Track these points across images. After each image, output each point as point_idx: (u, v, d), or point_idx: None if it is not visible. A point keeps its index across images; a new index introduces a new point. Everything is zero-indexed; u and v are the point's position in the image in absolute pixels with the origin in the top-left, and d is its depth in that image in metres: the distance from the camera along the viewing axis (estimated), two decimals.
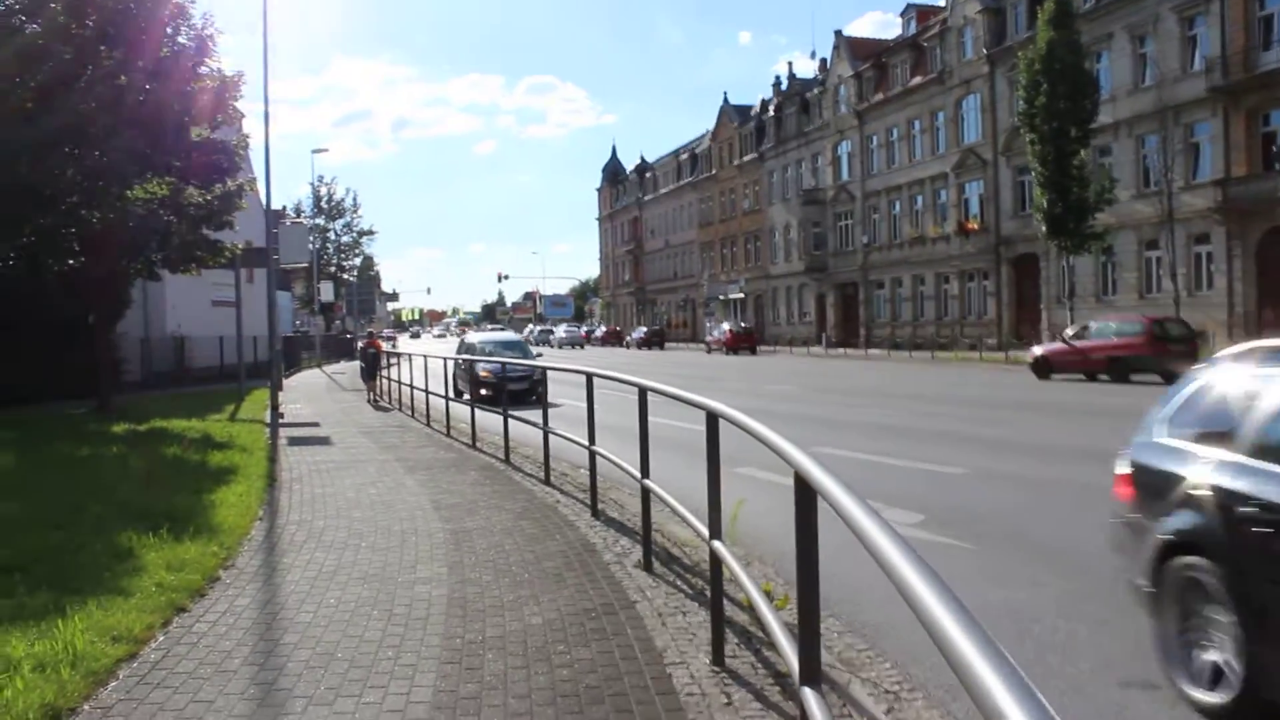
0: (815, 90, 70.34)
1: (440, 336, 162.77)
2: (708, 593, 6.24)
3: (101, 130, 19.43)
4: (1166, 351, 28.04)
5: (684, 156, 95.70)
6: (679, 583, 7.38)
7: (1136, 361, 28.56)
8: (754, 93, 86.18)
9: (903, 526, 9.46)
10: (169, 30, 20.71)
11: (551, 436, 12.01)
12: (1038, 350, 32.91)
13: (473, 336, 33.34)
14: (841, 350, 58.69)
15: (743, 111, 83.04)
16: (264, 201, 26.08)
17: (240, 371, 28.05)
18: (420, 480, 12.68)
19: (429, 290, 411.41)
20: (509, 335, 35.22)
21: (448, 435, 18.11)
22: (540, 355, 40.48)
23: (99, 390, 23.14)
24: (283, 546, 8.86)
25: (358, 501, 11.16)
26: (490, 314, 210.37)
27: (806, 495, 3.37)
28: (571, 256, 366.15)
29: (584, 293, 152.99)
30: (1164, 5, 40.97)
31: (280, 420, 22.18)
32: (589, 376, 9.75)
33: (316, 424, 21.29)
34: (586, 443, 9.94)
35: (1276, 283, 36.78)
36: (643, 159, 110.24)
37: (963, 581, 7.54)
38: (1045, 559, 8.21)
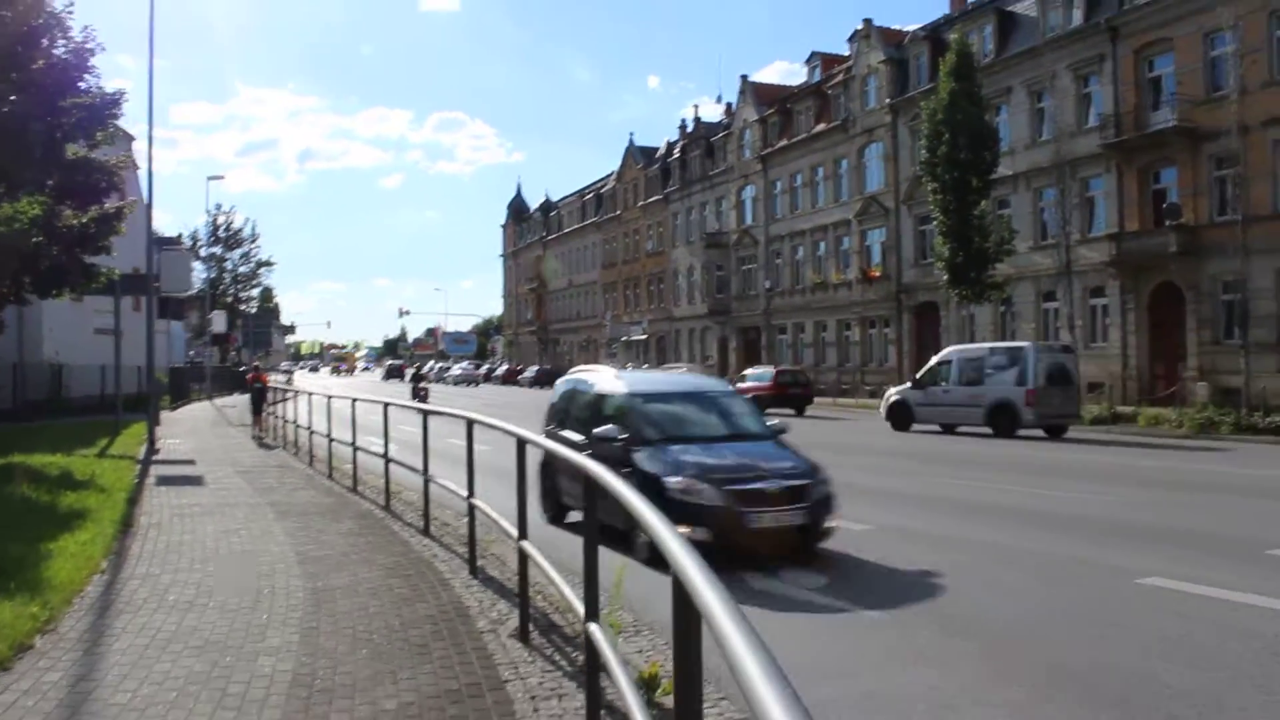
0: (720, 134, 70.44)
1: (364, 370, 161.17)
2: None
3: None
4: (786, 393, 39.64)
5: (589, 196, 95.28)
6: (558, 656, 6.60)
7: (769, 400, 36.79)
8: (661, 136, 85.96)
9: (803, 590, 8.82)
10: (44, 42, 19.50)
11: (440, 482, 11.14)
12: None
13: (618, 382, 12.85)
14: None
15: (648, 153, 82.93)
16: (147, 227, 24.88)
17: (118, 403, 26.56)
18: (290, 528, 11.73)
19: (329, 324, 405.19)
20: (704, 381, 15.02)
21: (329, 478, 17.11)
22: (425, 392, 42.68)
23: None
24: (119, 606, 7.89)
25: (216, 552, 10.19)
26: (392, 349, 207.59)
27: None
28: (475, 293, 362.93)
29: (487, 330, 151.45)
30: (1060, 63, 41.58)
31: (155, 457, 21.00)
32: (469, 423, 8.95)
33: (192, 461, 20.11)
34: (465, 493, 9.11)
35: (1167, 336, 37.25)
36: (548, 197, 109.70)
37: (870, 660, 6.87)
38: (954, 633, 7.57)
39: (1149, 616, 7.88)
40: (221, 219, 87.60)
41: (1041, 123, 42.89)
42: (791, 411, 38.01)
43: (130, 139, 36.46)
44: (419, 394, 42.11)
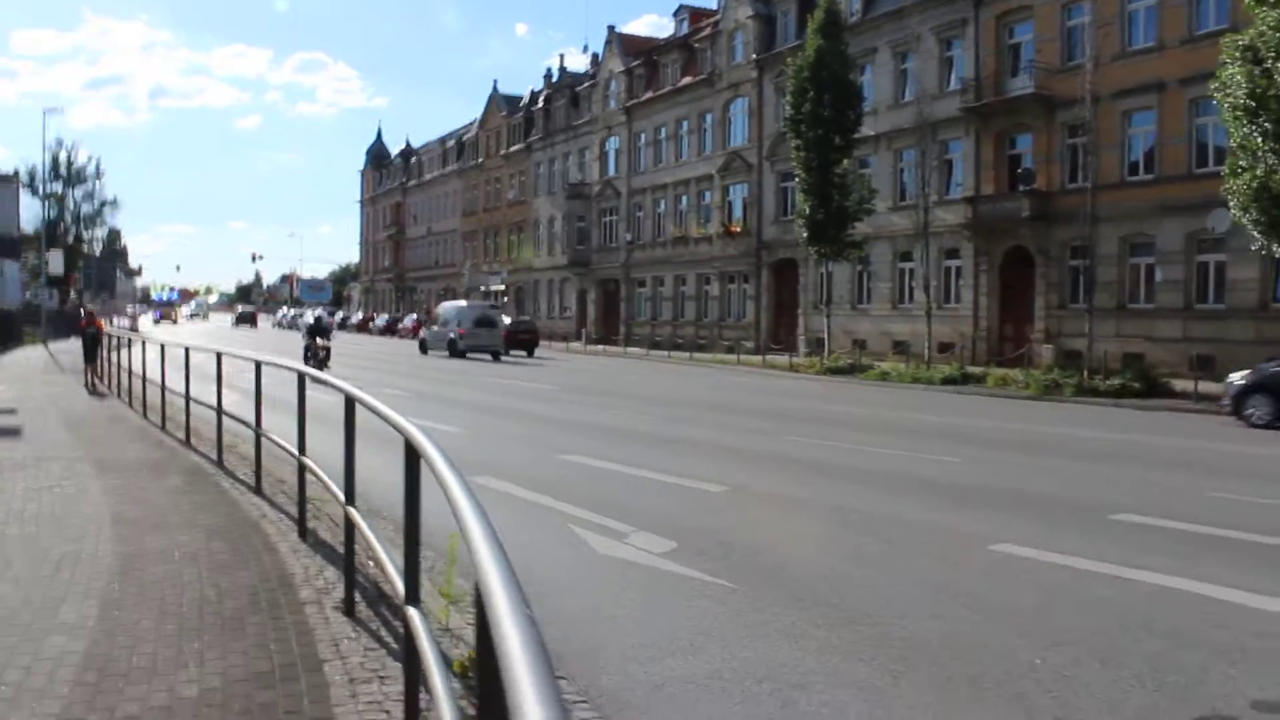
0: (586, 85, 69.66)
1: (194, 317, 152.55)
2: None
3: None
4: (516, 339, 49.52)
5: (451, 144, 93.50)
6: (384, 632, 6.12)
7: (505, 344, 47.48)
8: (528, 85, 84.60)
9: (651, 556, 8.48)
10: None
11: (271, 438, 10.46)
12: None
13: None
14: (601, 347, 58.14)
15: (512, 102, 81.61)
16: None
17: None
18: (110, 485, 10.94)
19: (178, 268, 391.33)
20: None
21: (162, 429, 16.21)
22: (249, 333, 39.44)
23: None
24: None
25: (21, 514, 9.39)
26: (245, 295, 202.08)
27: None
28: (332, 239, 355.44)
29: (344, 277, 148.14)
30: (925, 25, 41.96)
31: None
32: (300, 376, 8.35)
33: (13, 410, 18.87)
34: (296, 451, 8.53)
35: (1017, 299, 38.10)
36: (408, 143, 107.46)
37: (716, 633, 6.56)
38: (806, 602, 7.32)
39: (1002, 586, 7.76)
40: (63, 155, 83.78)
41: (905, 84, 43.34)
42: (524, 352, 49.64)
43: None
44: (317, 355, 31.39)
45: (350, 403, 6.19)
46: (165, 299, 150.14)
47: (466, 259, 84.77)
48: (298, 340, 65.92)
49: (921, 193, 37.18)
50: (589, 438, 16.90)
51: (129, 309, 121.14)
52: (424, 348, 49.52)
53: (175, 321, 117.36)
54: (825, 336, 40.89)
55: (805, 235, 38.62)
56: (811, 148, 37.44)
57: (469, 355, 45.37)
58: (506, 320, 52.13)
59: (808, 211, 37.89)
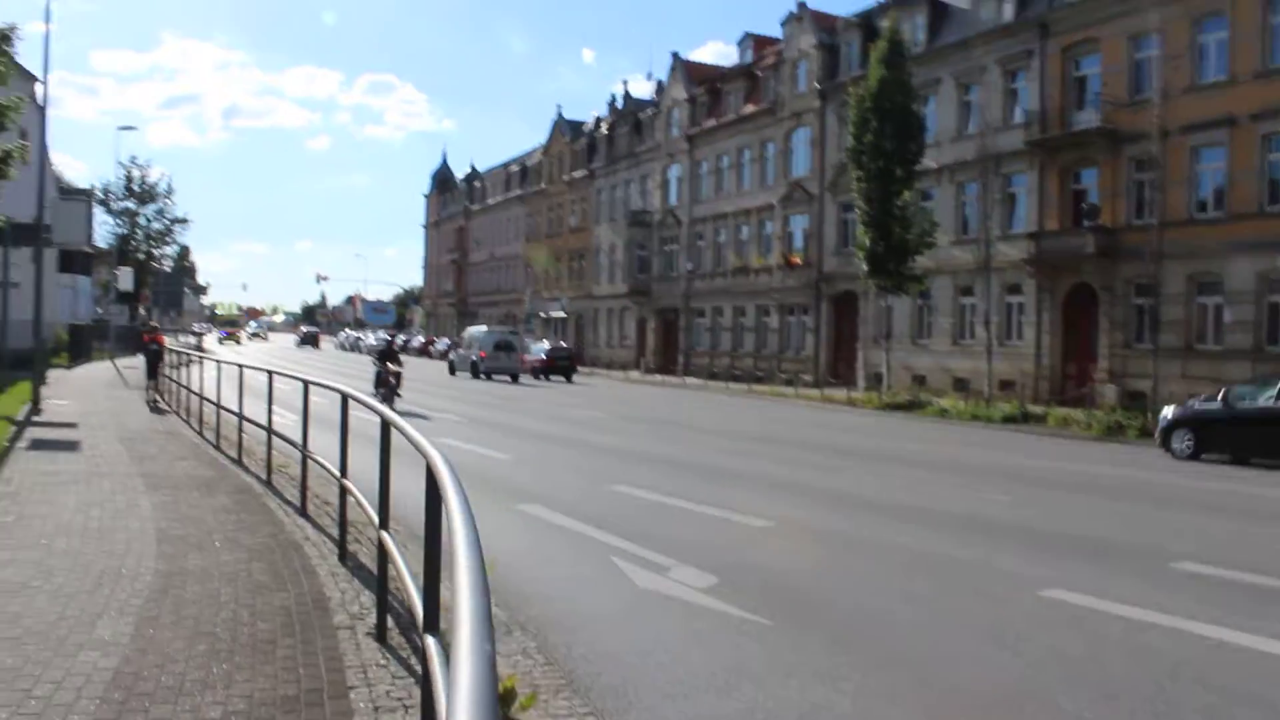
0: (649, 112, 69.88)
1: (254, 336, 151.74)
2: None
3: None
4: (554, 365, 53.46)
5: (514, 168, 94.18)
6: (414, 660, 6.05)
7: (544, 370, 52.98)
8: (592, 111, 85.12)
9: (691, 590, 8.36)
10: None
11: (317, 460, 10.48)
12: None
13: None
14: (659, 377, 58.04)
15: (576, 127, 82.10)
16: (40, 173, 23.79)
17: (1, 360, 25.36)
18: (159, 502, 11.03)
19: (245, 286, 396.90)
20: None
21: (216, 448, 16.37)
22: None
23: None
24: None
25: (69, 527, 9.48)
26: (310, 315, 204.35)
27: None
28: (397, 262, 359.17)
29: (407, 300, 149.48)
30: (989, 56, 41.63)
31: (35, 418, 20.03)
32: (343, 397, 8.36)
33: (74, 425, 19.16)
34: (338, 473, 8.54)
35: (1081, 337, 37.52)
36: (473, 168, 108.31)
37: (752, 671, 6.43)
38: (846, 643, 7.17)
39: (1050, 633, 7.54)
40: (135, 172, 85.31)
41: (968, 116, 42.96)
42: (562, 378, 52.39)
43: (34, 80, 34.89)
44: (388, 383, 27.35)
45: (385, 426, 6.16)
46: (230, 318, 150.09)
47: (528, 285, 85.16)
48: (357, 362, 66.97)
49: (984, 227, 36.82)
50: (639, 468, 16.81)
51: (195, 326, 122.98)
52: (452, 369, 54.33)
53: (239, 341, 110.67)
54: (884, 371, 40.52)
55: (865, 268, 38.34)
56: (873, 179, 37.21)
57: (492, 377, 49.42)
58: (545, 345, 58.21)
59: (868, 244, 37.62)
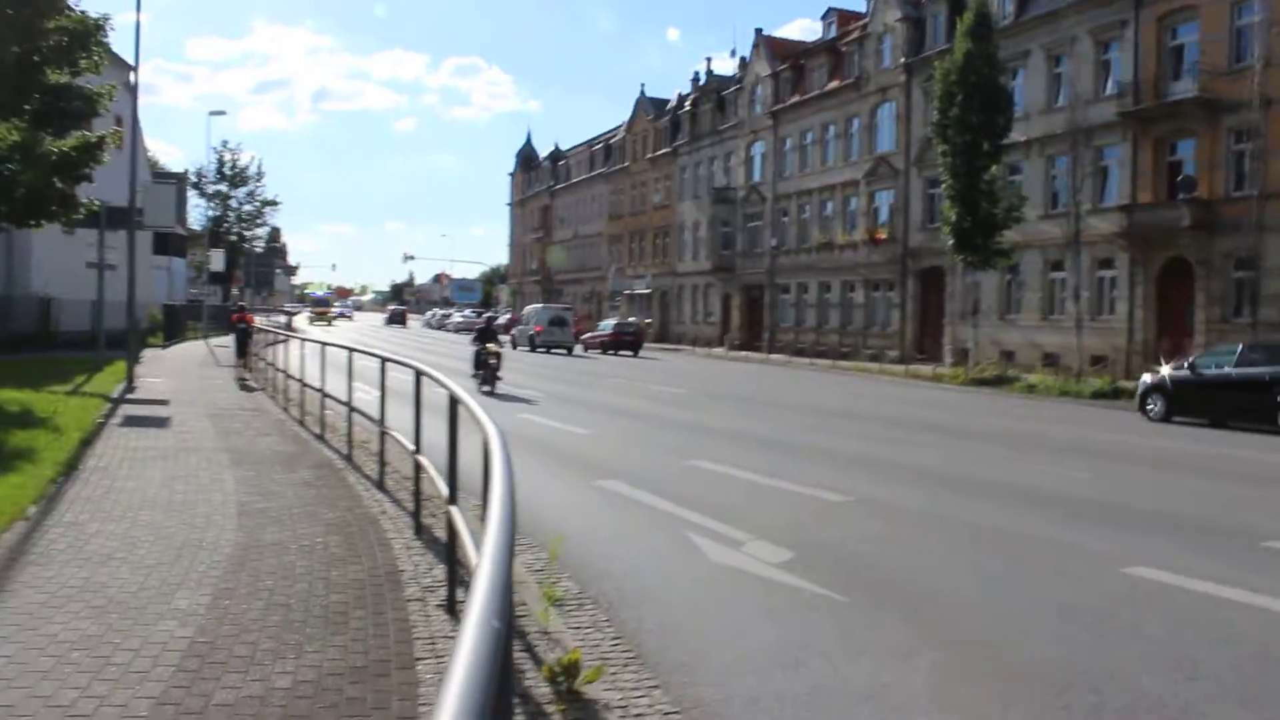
0: (733, 88, 69.43)
1: (340, 316, 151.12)
2: None
3: None
4: (621, 340, 55.34)
5: (598, 146, 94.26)
6: None
7: (611, 345, 55.46)
8: (676, 89, 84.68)
9: (766, 566, 8.30)
10: None
11: (393, 435, 10.60)
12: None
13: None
14: (743, 353, 57.88)
15: (659, 105, 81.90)
16: (132, 158, 24.30)
17: (99, 340, 26.05)
18: (241, 476, 11.25)
19: (334, 266, 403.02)
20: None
21: (300, 424, 16.66)
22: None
23: None
24: (30, 558, 7.41)
25: (155, 501, 9.71)
26: (398, 294, 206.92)
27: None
28: (483, 241, 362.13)
29: (493, 279, 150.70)
30: (1081, 27, 40.64)
31: (129, 396, 20.54)
32: (417, 374, 8.45)
33: (165, 401, 19.62)
34: (411, 446, 8.63)
35: (1175, 312, 36.60)
36: (557, 147, 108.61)
37: (823, 647, 6.36)
38: (921, 620, 7.07)
39: (1132, 612, 7.35)
40: (227, 156, 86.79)
41: (1058, 88, 41.99)
42: (629, 353, 54.41)
43: (128, 68, 35.67)
44: (487, 364, 25.65)
45: (453, 402, 6.20)
46: (320, 296, 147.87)
47: (612, 262, 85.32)
48: (443, 340, 67.67)
49: (1073, 200, 36.01)
50: (718, 443, 16.77)
51: (286, 306, 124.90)
52: (514, 344, 56.36)
53: (330, 322, 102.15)
54: (971, 347, 39.93)
55: (951, 243, 37.76)
56: (959, 154, 36.58)
57: (551, 351, 53.37)
58: (611, 321, 60.38)
59: (954, 219, 37.02)
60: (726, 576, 8.07)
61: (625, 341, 55.83)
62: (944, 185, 38.62)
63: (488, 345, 26.06)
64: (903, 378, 39.44)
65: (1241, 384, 22.22)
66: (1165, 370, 24.20)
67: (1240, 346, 23.57)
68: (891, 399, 29.19)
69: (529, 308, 63.11)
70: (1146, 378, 24.79)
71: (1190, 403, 23.39)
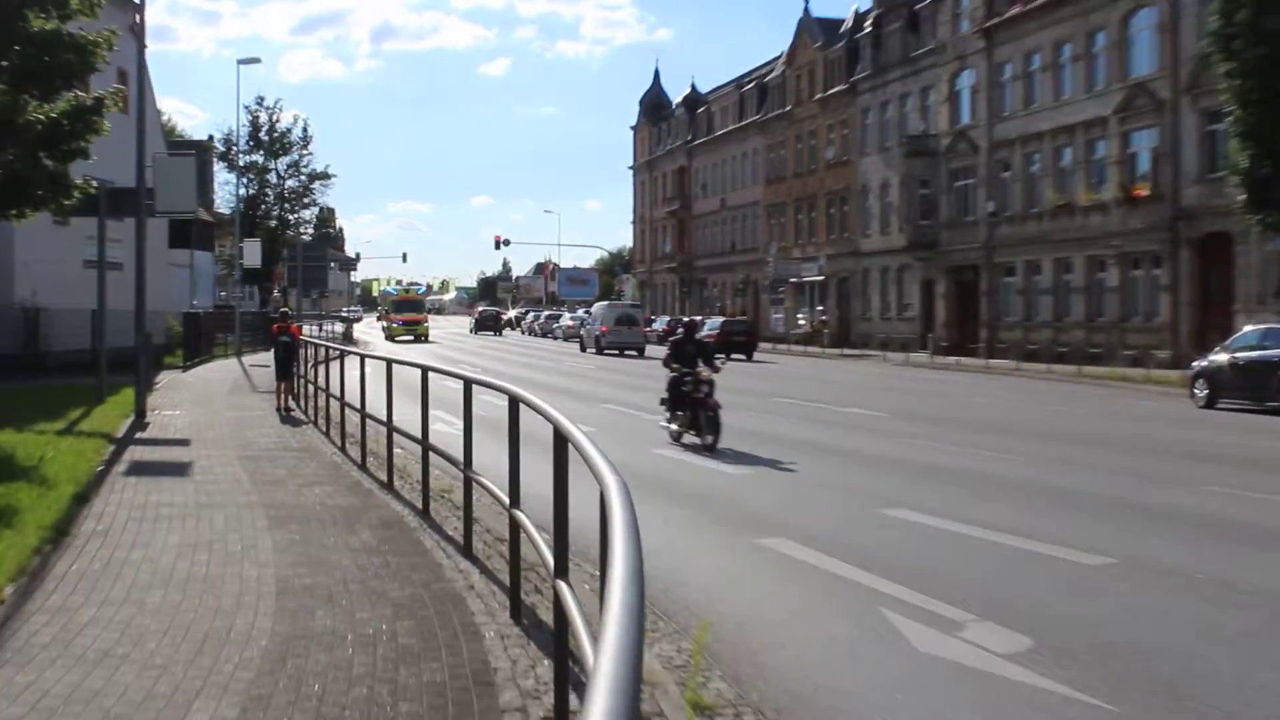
0: (929, 1, 68.85)
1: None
2: None
3: None
4: (729, 341, 57.48)
5: (749, 86, 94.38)
6: None
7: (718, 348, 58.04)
8: (851, 5, 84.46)
9: (995, 658, 8.06)
10: None
11: (481, 482, 10.59)
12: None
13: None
14: (953, 359, 57.20)
15: (830, 28, 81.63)
16: (139, 124, 24.94)
17: (100, 362, 26.77)
18: (283, 541, 11.36)
19: (405, 257, 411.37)
20: None
21: (361, 467, 16.85)
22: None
23: None
24: (3, 657, 7.54)
25: (169, 576, 9.84)
26: (489, 290, 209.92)
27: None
28: (601, 218, 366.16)
29: (614, 267, 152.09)
30: None
31: (139, 434, 21.06)
32: (512, 400, 8.41)
33: (186, 442, 20.08)
34: (507, 501, 8.58)
35: None
36: (694, 88, 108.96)
37: None
38: None
39: None
40: (264, 116, 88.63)
41: None
42: (742, 356, 58.36)
43: (132, 7, 36.70)
44: (696, 404, 20.50)
45: (560, 439, 6.09)
46: (398, 296, 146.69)
47: (771, 241, 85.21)
48: (550, 353, 68.22)
49: None
50: (923, 485, 16.48)
51: (345, 310, 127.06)
52: (582, 346, 68.76)
53: (422, 336, 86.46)
54: None
55: (1243, 198, 36.69)
56: (1250, 74, 35.50)
57: (624, 353, 62.39)
58: (717, 320, 66.08)
59: (1246, 165, 35.96)
60: (939, 673, 7.93)
61: (736, 342, 60.01)
62: (1229, 119, 37.58)
63: (696, 370, 20.86)
64: (1178, 387, 38.41)
65: None
66: (1212, 356, 31.70)
67: None
68: (1164, 419, 28.61)
69: (597, 305, 74.97)
70: (1197, 363, 32.77)
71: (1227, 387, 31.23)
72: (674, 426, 21.03)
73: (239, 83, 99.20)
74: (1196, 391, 31.83)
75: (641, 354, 61.56)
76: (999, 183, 61.50)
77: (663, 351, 23.57)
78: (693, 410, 20.42)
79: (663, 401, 21.52)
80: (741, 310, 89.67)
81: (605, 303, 74.82)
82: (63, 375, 33.87)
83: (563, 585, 6.11)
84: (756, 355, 62.19)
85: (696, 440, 20.26)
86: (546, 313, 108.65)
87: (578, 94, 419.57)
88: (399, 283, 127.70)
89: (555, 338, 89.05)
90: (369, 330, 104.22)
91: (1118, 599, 9.95)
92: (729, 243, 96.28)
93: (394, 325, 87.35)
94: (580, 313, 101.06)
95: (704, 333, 58.21)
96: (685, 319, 34.11)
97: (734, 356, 56.24)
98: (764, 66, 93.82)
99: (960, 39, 64.89)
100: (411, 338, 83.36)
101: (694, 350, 21.33)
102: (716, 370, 21.01)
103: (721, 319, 67.53)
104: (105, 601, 8.96)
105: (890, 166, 71.70)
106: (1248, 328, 34.27)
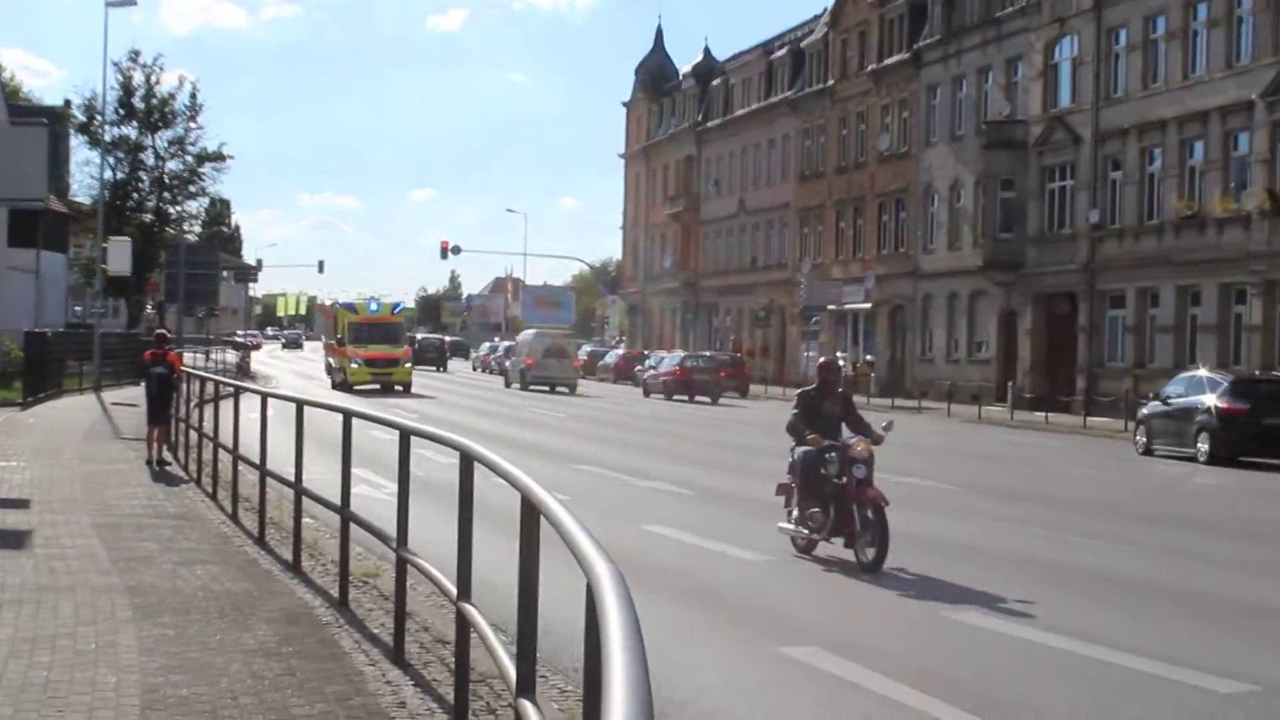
0: None
1: (287, 346, 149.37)
2: None
3: None
4: (692, 382, 68.36)
5: (779, 53, 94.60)
6: None
7: (681, 388, 69.27)
8: None
9: None
10: None
11: (420, 565, 10.56)
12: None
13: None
14: (1041, 416, 57.13)
15: None
16: None
17: None
18: (152, 637, 11.30)
19: (321, 266, 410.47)
20: None
21: (258, 541, 16.78)
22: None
23: None
24: None
25: None
26: (433, 311, 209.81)
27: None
28: (579, 219, 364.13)
29: (596, 284, 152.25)
30: None
31: None
32: (464, 456, 8.38)
33: (24, 503, 20.02)
34: (454, 591, 8.54)
35: None
36: (708, 53, 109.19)
37: None
38: None
39: None
40: (139, 77, 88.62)
41: None
42: (706, 399, 67.00)
43: None
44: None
45: (529, 509, 6.07)
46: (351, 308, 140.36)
47: (804, 256, 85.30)
48: (510, 395, 68.11)
49: None
50: (1001, 581, 16.45)
51: (240, 334, 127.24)
52: (507, 381, 77.93)
53: (400, 383, 70.39)
54: None
55: None
56: None
57: (555, 389, 69.75)
58: (676, 355, 76.44)
59: None
60: None
61: (699, 383, 69.34)
62: None
63: (847, 442, 18.28)
64: None
65: None
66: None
67: None
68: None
69: (523, 334, 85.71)
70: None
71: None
72: (804, 530, 18.00)
73: (107, 32, 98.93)
74: (1138, 438, 35.55)
75: (572, 392, 70.58)
76: (1105, 184, 61.74)
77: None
78: (838, 506, 17.52)
79: (782, 489, 18.84)
80: (760, 346, 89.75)
81: (532, 331, 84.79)
82: None
83: (528, 706, 6.07)
84: (766, 400, 64.89)
85: (842, 552, 17.63)
86: (505, 343, 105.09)
87: (554, 57, 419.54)
88: (368, 296, 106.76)
89: (508, 376, 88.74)
90: (272, 361, 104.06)
91: None
92: (748, 257, 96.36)
93: (352, 364, 68.60)
94: (497, 341, 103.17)
95: (668, 367, 65.26)
96: (822, 360, 26.25)
97: (697, 399, 67.54)
98: (800, 27, 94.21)
99: None
100: (379, 386, 67.94)
101: (837, 411, 18.92)
102: (878, 440, 18.31)
103: (680, 353, 76.02)
104: None
105: (963, 161, 71.93)
106: None
